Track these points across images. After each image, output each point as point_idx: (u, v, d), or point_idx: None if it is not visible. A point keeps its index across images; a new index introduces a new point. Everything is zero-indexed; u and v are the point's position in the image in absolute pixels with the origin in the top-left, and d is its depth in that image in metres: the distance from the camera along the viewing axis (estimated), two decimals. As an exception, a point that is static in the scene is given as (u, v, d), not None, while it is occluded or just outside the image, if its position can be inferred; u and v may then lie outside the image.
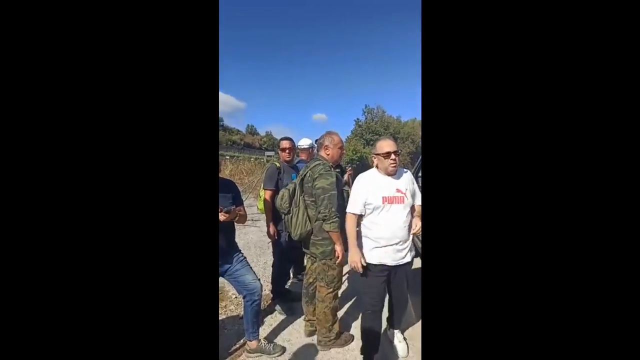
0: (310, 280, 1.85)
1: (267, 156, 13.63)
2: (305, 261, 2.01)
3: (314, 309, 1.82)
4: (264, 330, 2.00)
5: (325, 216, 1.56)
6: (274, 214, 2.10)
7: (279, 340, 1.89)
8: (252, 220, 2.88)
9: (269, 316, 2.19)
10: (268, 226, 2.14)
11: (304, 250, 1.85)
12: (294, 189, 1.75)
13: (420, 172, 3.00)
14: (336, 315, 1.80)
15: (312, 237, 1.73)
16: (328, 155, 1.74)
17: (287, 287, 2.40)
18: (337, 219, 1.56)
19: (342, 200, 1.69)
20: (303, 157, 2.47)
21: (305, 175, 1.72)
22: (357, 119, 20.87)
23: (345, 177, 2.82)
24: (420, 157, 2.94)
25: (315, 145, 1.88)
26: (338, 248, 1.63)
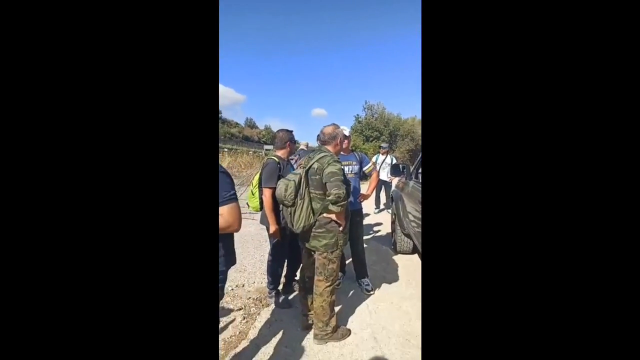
0: (307, 274, 1.84)
1: (266, 150, 13.58)
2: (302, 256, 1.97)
3: (311, 302, 1.81)
4: (260, 323, 1.99)
5: (339, 197, 1.56)
6: (276, 212, 2.05)
7: (274, 333, 1.89)
8: (250, 213, 2.86)
9: (266, 309, 2.18)
10: (273, 226, 2.05)
11: (303, 243, 1.83)
12: (300, 181, 1.69)
13: (421, 167, 2.98)
14: (334, 309, 1.80)
15: (313, 230, 1.71)
16: (337, 148, 1.82)
17: (282, 280, 2.39)
18: (345, 202, 1.61)
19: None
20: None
21: (310, 167, 1.69)
22: (357, 115, 20.72)
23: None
24: (421, 155, 2.92)
25: (321, 136, 1.86)
26: (344, 223, 1.74)
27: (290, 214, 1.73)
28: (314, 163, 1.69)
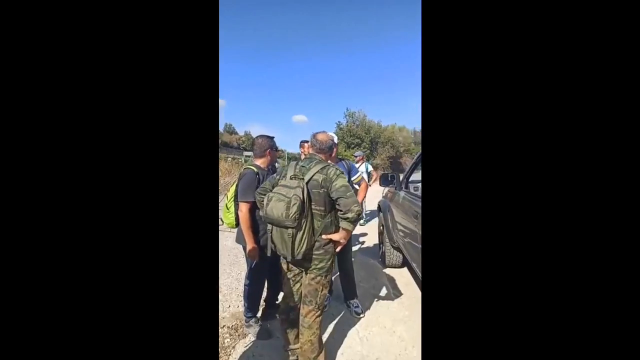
0: (291, 304, 1.57)
1: (246, 156, 13.14)
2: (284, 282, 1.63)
3: (295, 336, 1.55)
4: (234, 359, 1.70)
5: (359, 214, 1.36)
6: (254, 229, 1.79)
7: (252, 373, 1.60)
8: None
9: (242, 340, 1.89)
10: (250, 246, 1.77)
11: (295, 268, 1.53)
12: (304, 197, 1.36)
13: (412, 176, 2.82)
14: (322, 342, 1.54)
15: (313, 251, 1.43)
16: (332, 157, 1.69)
17: (260, 307, 2.10)
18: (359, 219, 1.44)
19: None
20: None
21: (311, 179, 1.41)
22: (339, 122, 20.78)
23: None
24: (414, 161, 2.76)
25: (316, 143, 1.60)
26: (344, 242, 1.49)
27: (291, 236, 1.36)
28: (315, 174, 1.41)
